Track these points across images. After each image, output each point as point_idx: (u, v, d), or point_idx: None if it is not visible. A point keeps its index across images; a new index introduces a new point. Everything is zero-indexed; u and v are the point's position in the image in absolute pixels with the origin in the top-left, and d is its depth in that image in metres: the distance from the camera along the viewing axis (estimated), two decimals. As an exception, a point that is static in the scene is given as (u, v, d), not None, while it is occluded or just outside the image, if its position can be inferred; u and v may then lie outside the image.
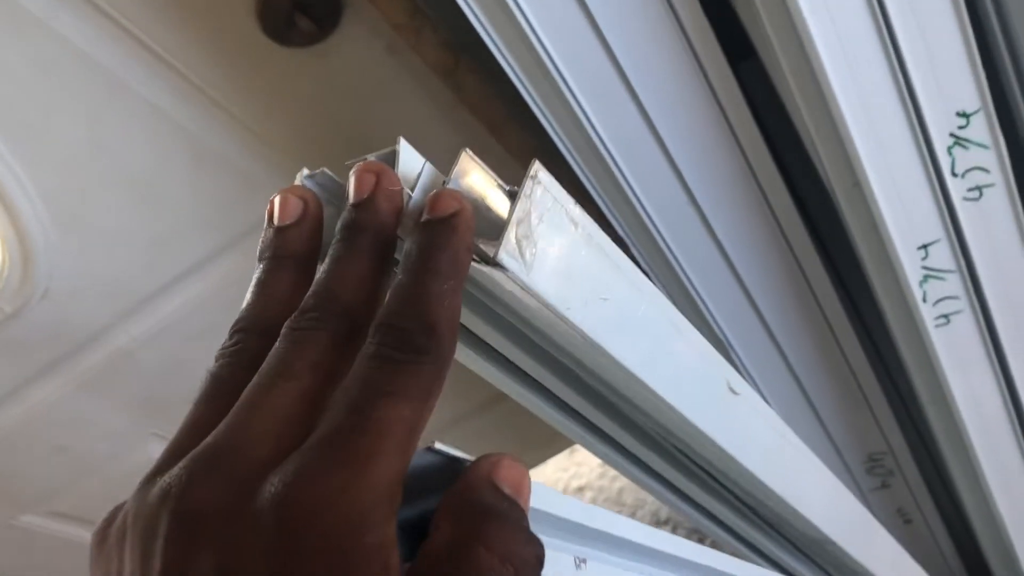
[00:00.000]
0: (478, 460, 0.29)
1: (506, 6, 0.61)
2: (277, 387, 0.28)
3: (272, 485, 0.26)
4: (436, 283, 0.29)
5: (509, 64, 0.66)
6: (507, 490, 0.28)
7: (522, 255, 0.31)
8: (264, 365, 0.29)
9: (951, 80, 0.63)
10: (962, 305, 0.75)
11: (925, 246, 0.71)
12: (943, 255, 0.71)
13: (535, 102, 0.68)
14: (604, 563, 0.37)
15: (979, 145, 0.66)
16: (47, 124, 0.82)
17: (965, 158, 0.67)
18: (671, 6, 0.63)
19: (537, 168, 0.33)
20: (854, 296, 0.88)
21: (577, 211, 0.35)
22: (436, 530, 0.27)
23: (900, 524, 1.07)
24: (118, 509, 0.30)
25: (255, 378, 0.29)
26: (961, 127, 0.65)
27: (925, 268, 0.72)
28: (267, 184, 0.92)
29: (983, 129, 0.65)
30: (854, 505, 0.69)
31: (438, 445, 0.29)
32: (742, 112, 0.69)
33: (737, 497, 0.63)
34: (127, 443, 1.15)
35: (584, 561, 0.35)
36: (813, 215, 0.82)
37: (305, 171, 0.35)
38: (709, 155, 0.71)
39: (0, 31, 0.75)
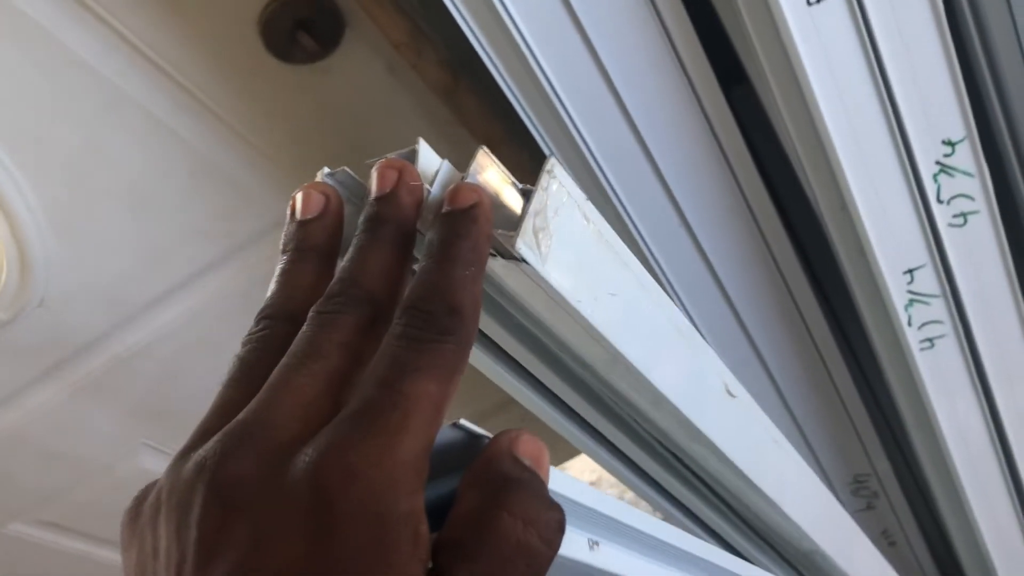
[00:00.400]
0: (498, 435, 0.30)
1: (506, 28, 0.62)
2: (305, 367, 0.29)
3: (306, 455, 0.27)
4: (458, 269, 0.30)
5: (507, 85, 0.67)
6: (527, 462, 0.30)
7: (538, 246, 0.32)
8: (292, 347, 0.30)
9: (937, 109, 0.64)
10: (946, 329, 0.76)
11: (911, 271, 0.72)
12: (928, 280, 0.73)
13: (532, 122, 0.70)
14: (615, 549, 0.38)
15: (964, 173, 0.68)
16: (49, 133, 0.83)
17: (950, 185, 0.68)
18: (666, 32, 0.64)
19: (553, 163, 0.34)
20: (841, 319, 0.89)
21: (589, 207, 0.36)
22: (461, 499, 0.29)
23: (884, 546, 1.08)
24: (149, 488, 0.31)
25: (284, 359, 0.30)
26: (947, 155, 0.67)
27: (910, 292, 0.73)
28: (264, 197, 0.93)
29: (968, 157, 0.67)
30: (842, 515, 0.70)
31: (462, 422, 0.30)
32: (733, 135, 0.71)
33: (731, 507, 0.64)
34: (118, 452, 1.15)
35: (597, 543, 0.36)
36: (802, 238, 0.83)
37: (326, 169, 0.36)
38: (701, 177, 0.73)
39: (6, 40, 0.77)
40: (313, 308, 0.31)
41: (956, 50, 0.63)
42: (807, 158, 0.67)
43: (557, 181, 0.34)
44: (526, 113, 0.69)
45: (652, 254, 0.76)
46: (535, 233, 0.33)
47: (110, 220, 0.91)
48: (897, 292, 0.73)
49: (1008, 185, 0.76)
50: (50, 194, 0.87)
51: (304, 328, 0.31)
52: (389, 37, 0.75)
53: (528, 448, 0.30)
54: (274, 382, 0.29)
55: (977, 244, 0.72)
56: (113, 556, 1.30)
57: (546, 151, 0.71)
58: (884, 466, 0.98)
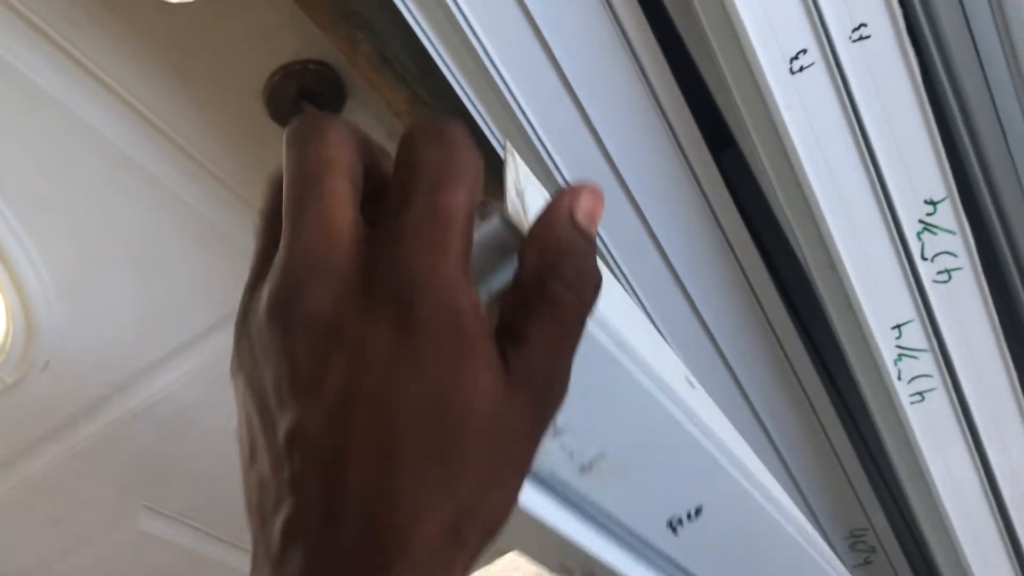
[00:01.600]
0: (559, 196, 0.34)
1: (504, 100, 0.65)
2: (321, 185, 0.32)
3: (378, 275, 0.30)
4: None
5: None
6: (583, 221, 0.34)
7: (524, 214, 0.36)
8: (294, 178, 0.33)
9: (918, 171, 0.67)
10: (936, 383, 0.78)
11: (898, 326, 0.74)
12: (916, 335, 0.75)
13: (528, 186, 0.72)
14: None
15: (946, 231, 0.70)
16: (57, 199, 0.86)
17: (934, 243, 0.71)
18: (658, 102, 0.67)
19: (509, 145, 0.38)
20: (834, 374, 0.91)
21: (543, 188, 0.40)
22: (523, 265, 0.33)
23: (883, 602, 1.08)
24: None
25: (290, 187, 0.32)
26: (929, 214, 0.69)
27: (899, 347, 0.75)
28: (267, 260, 0.95)
29: (950, 216, 0.69)
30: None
31: (506, 214, 0.35)
32: (723, 196, 0.73)
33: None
34: (118, 514, 1.15)
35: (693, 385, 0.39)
36: (793, 295, 0.85)
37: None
38: (693, 237, 0.75)
39: (16, 107, 0.79)
40: None
41: (934, 113, 0.66)
42: (795, 219, 0.70)
43: (515, 161, 0.37)
44: (523, 177, 0.72)
45: (647, 311, 0.78)
46: (520, 196, 0.36)
47: (115, 284, 0.93)
48: (886, 347, 0.75)
49: (990, 240, 0.79)
50: (57, 259, 0.89)
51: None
52: (390, 106, 0.78)
53: (587, 206, 0.34)
54: (294, 213, 0.32)
55: (962, 299, 0.74)
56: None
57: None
58: (880, 520, 0.99)
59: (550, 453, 0.46)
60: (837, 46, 0.61)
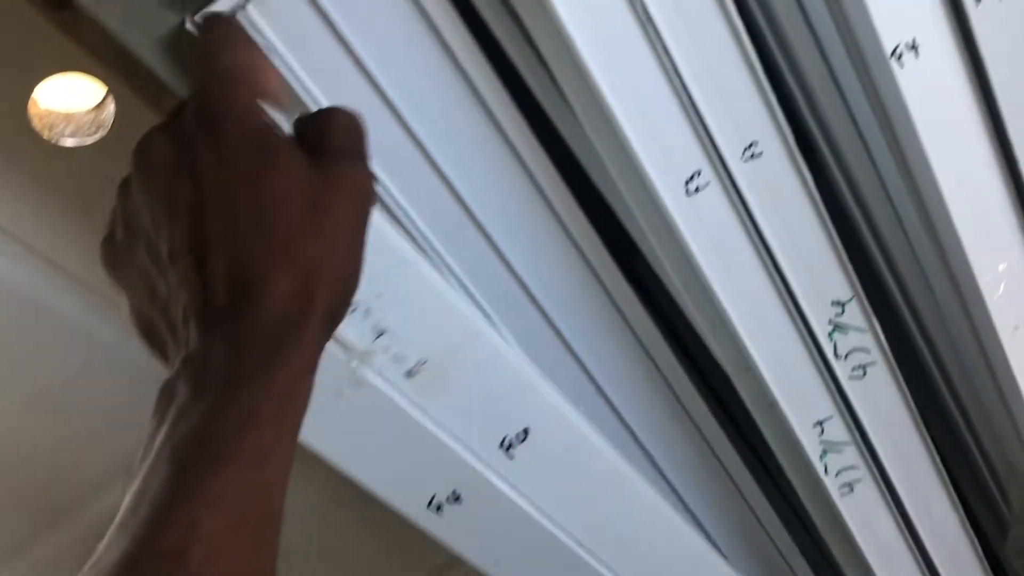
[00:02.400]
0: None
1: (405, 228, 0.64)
2: None
3: (197, 114, 0.41)
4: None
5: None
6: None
7: None
8: None
9: (823, 275, 0.68)
10: (862, 474, 0.78)
11: (820, 422, 0.74)
12: (838, 429, 0.75)
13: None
14: None
15: (857, 329, 0.71)
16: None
17: (845, 341, 0.71)
18: (564, 225, 0.67)
19: None
20: (770, 470, 0.91)
21: None
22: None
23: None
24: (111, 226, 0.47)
25: None
26: (838, 314, 0.70)
27: (823, 442, 0.75)
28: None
29: (858, 314, 0.71)
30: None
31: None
32: (636, 308, 0.73)
33: None
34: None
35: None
36: (720, 394, 0.85)
37: None
38: (609, 347, 0.74)
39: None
40: None
41: (835, 216, 0.67)
42: (706, 327, 0.70)
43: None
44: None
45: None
46: None
47: (30, 428, 0.90)
48: (810, 444, 0.75)
49: (903, 330, 0.80)
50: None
51: None
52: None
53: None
54: None
55: (879, 392, 0.75)
56: None
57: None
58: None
59: (377, 354, 0.56)
60: (730, 165, 0.62)
